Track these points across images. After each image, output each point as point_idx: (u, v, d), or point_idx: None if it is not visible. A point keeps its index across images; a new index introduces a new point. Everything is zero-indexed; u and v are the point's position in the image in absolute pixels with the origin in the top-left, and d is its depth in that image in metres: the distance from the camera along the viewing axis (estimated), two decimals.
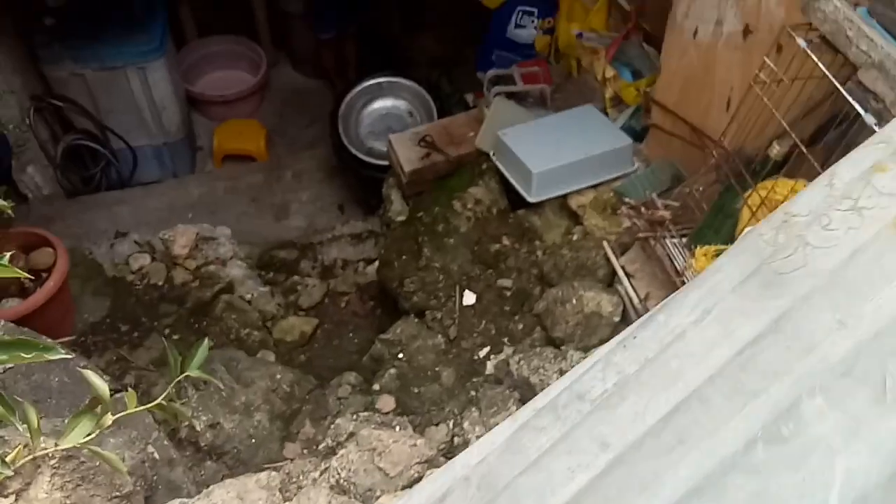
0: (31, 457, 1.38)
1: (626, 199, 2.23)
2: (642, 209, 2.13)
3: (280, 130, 4.23)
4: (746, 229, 0.95)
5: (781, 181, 1.74)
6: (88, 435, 1.43)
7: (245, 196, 3.63)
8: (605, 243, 2.24)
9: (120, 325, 2.58)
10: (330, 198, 3.65)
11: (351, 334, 2.79)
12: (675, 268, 1.99)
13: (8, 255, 1.16)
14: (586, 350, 1.98)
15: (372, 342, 2.61)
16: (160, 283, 2.74)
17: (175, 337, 2.58)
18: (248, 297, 2.73)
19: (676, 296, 1.07)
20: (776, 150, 1.77)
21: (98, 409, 1.50)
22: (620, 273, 2.13)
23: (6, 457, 1.20)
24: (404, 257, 2.61)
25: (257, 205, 3.57)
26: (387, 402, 2.25)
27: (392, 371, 2.33)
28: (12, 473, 1.25)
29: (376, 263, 2.98)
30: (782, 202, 1.49)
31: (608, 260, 2.23)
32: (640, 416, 0.88)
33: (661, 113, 2.50)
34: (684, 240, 2.01)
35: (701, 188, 2.08)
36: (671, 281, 2.02)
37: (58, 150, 3.54)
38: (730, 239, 1.85)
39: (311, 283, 2.93)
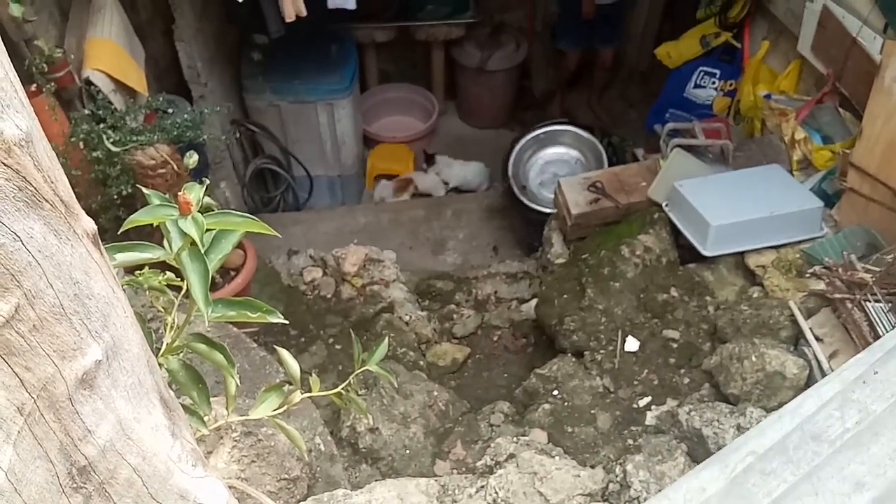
0: (224, 420, 1.48)
1: (824, 259, 2.09)
2: (839, 270, 2.00)
3: None
4: None
5: None
6: (275, 409, 1.52)
7: (406, 228, 3.79)
8: (791, 304, 2.11)
9: (290, 329, 2.74)
10: (485, 238, 3.73)
11: (501, 367, 2.79)
12: (876, 333, 1.83)
13: None
14: (767, 410, 1.85)
15: (521, 378, 2.59)
16: (328, 296, 2.89)
17: (337, 347, 2.70)
18: (407, 318, 2.82)
19: None
20: None
21: (286, 388, 1.60)
22: (809, 335, 1.98)
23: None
24: (565, 296, 2.59)
25: (416, 237, 3.72)
26: (538, 437, 2.20)
27: (546, 406, 2.29)
28: (209, 433, 1.35)
29: (531, 302, 2.98)
30: None
31: (793, 321, 2.09)
32: None
33: (858, 177, 2.36)
34: (888, 305, 1.85)
35: None
36: (867, 346, 1.86)
37: (247, 171, 3.90)
38: None
39: (466, 314, 2.98)
